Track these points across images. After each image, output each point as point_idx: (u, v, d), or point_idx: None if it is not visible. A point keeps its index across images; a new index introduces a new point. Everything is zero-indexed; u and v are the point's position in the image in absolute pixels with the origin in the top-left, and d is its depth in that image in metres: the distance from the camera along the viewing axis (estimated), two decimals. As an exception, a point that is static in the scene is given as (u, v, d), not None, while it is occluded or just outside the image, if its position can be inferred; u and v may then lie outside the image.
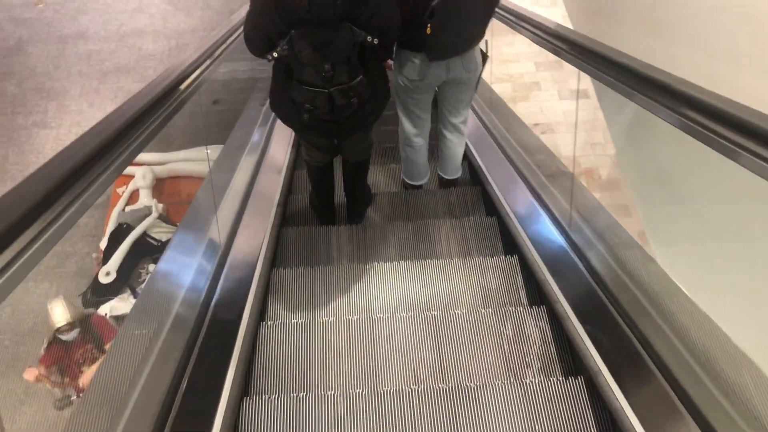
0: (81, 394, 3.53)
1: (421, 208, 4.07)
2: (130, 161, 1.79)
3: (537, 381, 2.43)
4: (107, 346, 3.72)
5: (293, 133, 4.74)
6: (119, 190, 5.53)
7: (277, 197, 3.92)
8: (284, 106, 2.94)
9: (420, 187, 4.21)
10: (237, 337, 2.58)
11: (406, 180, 4.18)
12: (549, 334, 2.75)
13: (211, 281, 2.68)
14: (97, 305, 4.43)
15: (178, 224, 4.83)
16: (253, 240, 3.32)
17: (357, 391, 2.45)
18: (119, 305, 4.42)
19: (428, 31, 3.06)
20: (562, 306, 2.69)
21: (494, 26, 3.47)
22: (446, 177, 4.19)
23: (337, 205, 3.92)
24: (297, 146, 4.73)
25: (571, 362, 2.63)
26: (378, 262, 3.33)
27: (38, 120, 6.87)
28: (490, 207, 3.91)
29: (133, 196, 5.53)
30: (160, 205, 5.37)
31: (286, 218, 3.95)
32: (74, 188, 1.42)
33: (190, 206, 3.13)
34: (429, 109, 3.74)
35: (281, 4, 2.47)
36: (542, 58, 7.29)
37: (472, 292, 3.15)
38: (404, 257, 3.53)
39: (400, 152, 4.05)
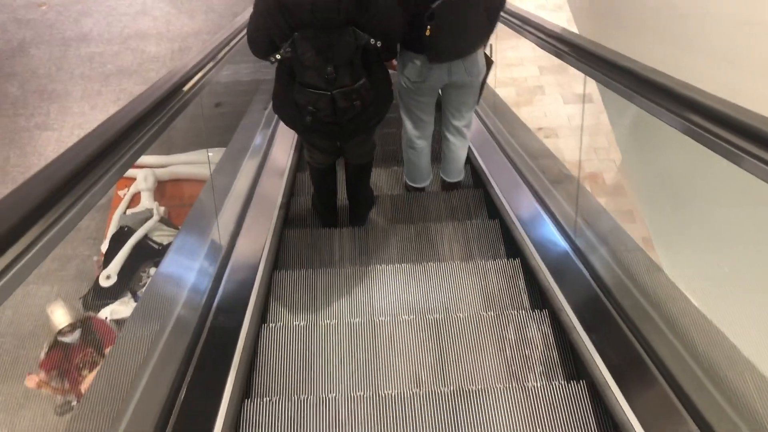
0: (82, 397, 3.52)
1: (423, 210, 4.06)
2: (131, 164, 1.78)
3: (539, 385, 2.43)
4: (108, 350, 3.71)
5: (296, 137, 4.75)
6: (121, 193, 5.52)
7: (279, 199, 3.92)
8: (287, 108, 2.94)
9: (422, 189, 4.20)
10: (238, 340, 2.58)
11: (409, 182, 4.18)
12: (551, 337, 2.75)
13: (212, 283, 2.67)
14: (98, 309, 4.42)
15: (179, 227, 4.82)
16: (255, 242, 3.32)
17: (358, 394, 2.45)
18: (120, 309, 4.41)
19: (427, 33, 3.06)
20: (566, 311, 2.68)
21: (498, 30, 3.46)
22: (448, 180, 4.18)
23: (340, 208, 3.92)
24: (299, 149, 4.73)
25: (573, 366, 2.62)
26: (380, 265, 3.33)
27: (40, 122, 6.87)
28: (493, 210, 3.91)
29: (135, 199, 5.52)
30: (162, 208, 5.36)
31: (288, 220, 3.95)
32: (75, 190, 1.41)
33: (192, 208, 3.13)
34: (432, 111, 3.73)
35: (284, 6, 2.47)
36: (546, 62, 7.30)
37: (474, 295, 3.14)
38: (406, 260, 3.52)
39: (403, 154, 4.05)
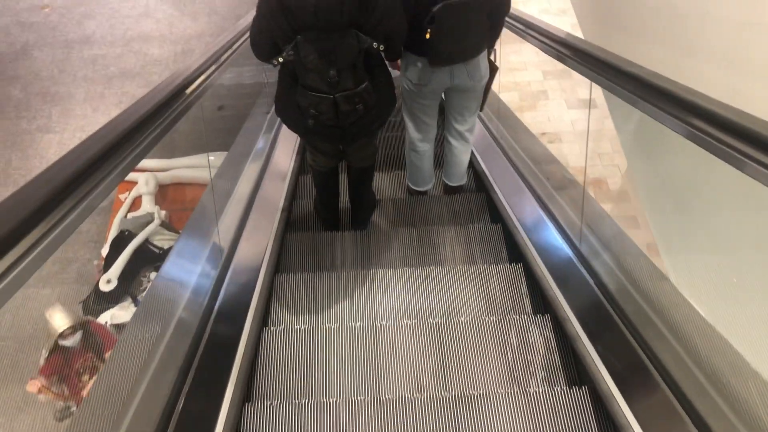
0: (83, 399, 3.51)
1: (425, 214, 4.06)
2: (133, 167, 1.78)
3: (541, 390, 2.42)
4: (108, 354, 3.70)
5: (298, 141, 4.75)
6: (122, 197, 5.51)
7: (281, 203, 3.92)
8: (289, 111, 2.94)
9: (425, 193, 4.20)
10: (239, 343, 2.58)
11: (411, 186, 4.18)
12: (553, 342, 2.74)
13: (213, 286, 2.67)
14: (98, 313, 4.41)
15: (181, 231, 4.81)
16: (257, 245, 3.31)
17: (359, 398, 2.44)
18: (120, 313, 4.40)
19: (427, 36, 3.05)
20: (568, 316, 2.67)
21: (502, 34, 3.46)
22: (451, 184, 4.18)
23: (342, 211, 3.92)
24: (302, 152, 4.73)
25: (575, 372, 2.61)
26: (382, 269, 3.33)
27: (42, 124, 6.86)
28: (495, 214, 3.90)
29: (136, 203, 5.51)
30: (163, 212, 5.35)
31: (290, 223, 3.95)
32: (76, 193, 1.41)
33: (194, 211, 3.12)
34: (435, 115, 3.73)
35: (287, 8, 2.47)
36: (550, 67, 7.29)
37: (476, 299, 3.14)
38: (408, 264, 3.52)
39: (405, 158, 4.05)
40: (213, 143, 3.54)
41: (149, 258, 4.82)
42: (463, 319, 2.86)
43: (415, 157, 3.93)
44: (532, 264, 3.12)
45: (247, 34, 2.84)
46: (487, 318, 2.88)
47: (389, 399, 2.42)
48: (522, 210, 3.58)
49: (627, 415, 2.09)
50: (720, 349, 1.90)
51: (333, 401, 2.43)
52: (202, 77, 2.66)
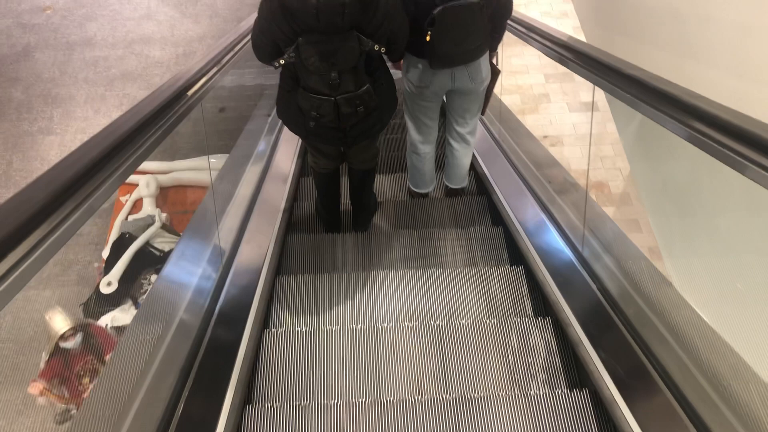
0: (84, 402, 3.51)
1: (426, 216, 4.06)
2: (134, 169, 1.78)
3: (541, 393, 2.41)
4: (108, 357, 3.70)
5: (299, 143, 4.75)
6: (122, 199, 5.50)
7: (282, 204, 3.91)
8: (291, 113, 2.94)
9: (426, 195, 4.20)
10: (240, 345, 2.57)
11: (412, 188, 4.17)
12: (554, 345, 2.73)
13: (214, 288, 2.67)
14: (99, 315, 4.41)
15: (182, 234, 4.81)
16: (258, 247, 3.31)
17: (361, 400, 2.44)
18: (120, 316, 4.40)
19: (427, 38, 3.05)
20: (569, 319, 2.67)
21: (503, 37, 3.46)
22: (452, 186, 4.18)
23: (343, 213, 3.92)
24: (303, 155, 4.73)
25: (576, 374, 2.60)
26: (383, 271, 3.32)
27: (43, 126, 6.87)
28: (497, 217, 3.90)
29: (137, 205, 5.50)
30: (164, 215, 5.34)
31: (291, 225, 3.95)
32: (77, 195, 1.41)
33: (195, 213, 3.12)
34: (436, 117, 3.72)
35: (289, 10, 2.46)
36: (552, 70, 7.28)
37: (477, 302, 3.14)
38: (409, 266, 3.52)
39: (407, 160, 4.04)
40: (214, 145, 3.54)
41: (150, 260, 4.81)
42: (463, 322, 2.86)
43: (416, 159, 3.93)
44: (534, 267, 3.12)
45: (249, 36, 2.84)
46: (488, 320, 2.87)
47: (390, 401, 2.41)
48: (523, 213, 3.58)
49: (630, 421, 2.08)
50: (722, 354, 1.90)
51: (334, 403, 2.42)
52: (204, 79, 2.66)
